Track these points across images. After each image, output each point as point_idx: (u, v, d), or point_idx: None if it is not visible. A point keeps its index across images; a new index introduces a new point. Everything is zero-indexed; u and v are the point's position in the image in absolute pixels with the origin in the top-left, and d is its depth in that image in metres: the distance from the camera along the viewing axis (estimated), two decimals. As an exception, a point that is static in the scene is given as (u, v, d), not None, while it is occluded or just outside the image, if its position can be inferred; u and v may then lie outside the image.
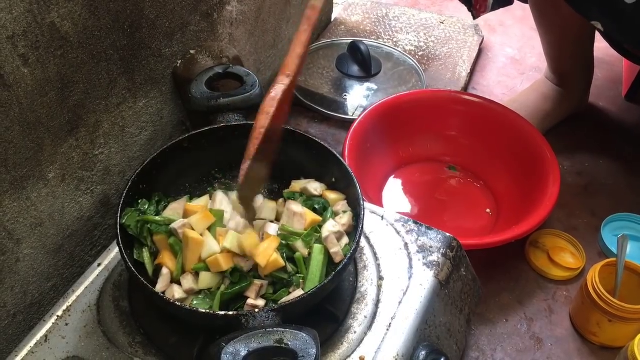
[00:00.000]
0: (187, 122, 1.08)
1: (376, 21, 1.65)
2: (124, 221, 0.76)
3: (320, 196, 0.84)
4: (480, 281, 0.95)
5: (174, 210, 0.81)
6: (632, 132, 1.39)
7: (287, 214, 0.80)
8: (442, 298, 0.84)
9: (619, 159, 1.33)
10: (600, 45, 1.31)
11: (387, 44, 1.56)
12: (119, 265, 0.83)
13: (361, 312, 0.79)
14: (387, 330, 0.77)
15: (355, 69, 1.45)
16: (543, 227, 1.10)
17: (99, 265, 0.83)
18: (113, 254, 0.85)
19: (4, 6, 0.66)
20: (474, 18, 1.27)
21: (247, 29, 1.20)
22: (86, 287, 0.81)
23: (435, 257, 0.85)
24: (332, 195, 0.84)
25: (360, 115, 1.23)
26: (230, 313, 0.66)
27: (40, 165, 0.78)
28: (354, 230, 0.79)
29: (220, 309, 0.72)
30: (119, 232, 0.74)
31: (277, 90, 0.74)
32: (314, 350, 0.60)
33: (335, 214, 0.82)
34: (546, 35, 1.30)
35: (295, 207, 0.80)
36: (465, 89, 1.48)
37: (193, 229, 0.76)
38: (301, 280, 0.75)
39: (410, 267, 0.84)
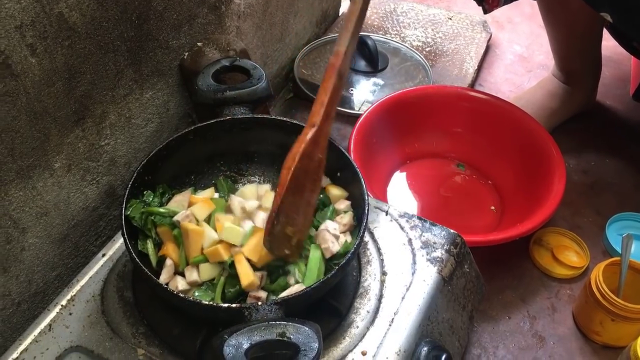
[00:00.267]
0: (193, 115, 1.08)
1: (384, 16, 1.65)
2: (128, 212, 0.77)
3: (323, 189, 0.84)
4: (484, 278, 0.94)
5: (178, 202, 0.81)
6: (639, 131, 1.39)
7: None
8: (445, 294, 0.84)
9: (625, 158, 1.32)
10: (608, 44, 1.31)
11: (394, 39, 1.55)
12: (123, 256, 0.83)
13: (364, 307, 0.79)
14: (390, 325, 0.77)
15: (362, 64, 1.45)
16: (547, 225, 1.10)
17: (104, 255, 0.84)
18: (117, 244, 0.85)
19: (13, -5, 0.66)
20: (485, 12, 1.26)
21: (254, 22, 1.20)
22: (90, 277, 0.81)
23: (439, 253, 0.85)
24: (334, 191, 0.84)
25: (366, 110, 1.23)
26: (234, 305, 0.66)
27: (47, 155, 0.78)
28: (358, 225, 0.79)
29: (223, 301, 0.73)
30: (124, 223, 0.74)
31: (299, 146, 0.74)
32: (317, 344, 0.60)
33: (336, 213, 0.82)
34: (554, 32, 1.30)
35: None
36: (472, 85, 1.47)
37: (195, 218, 0.76)
38: (296, 270, 0.75)
39: (414, 262, 0.84)
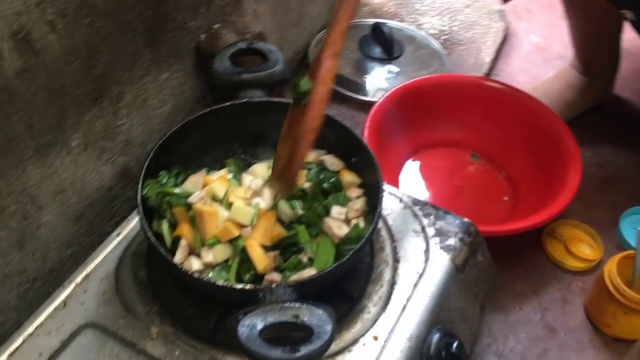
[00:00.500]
0: (208, 97, 1.08)
1: (400, 3, 1.63)
2: (144, 192, 0.77)
3: (336, 173, 0.84)
4: (495, 269, 0.94)
5: (193, 182, 0.81)
6: (656, 126, 1.38)
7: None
8: (458, 282, 0.84)
9: (641, 152, 1.31)
10: (626, 36, 1.29)
11: (410, 26, 1.54)
12: (137, 236, 0.84)
13: (376, 293, 0.79)
14: (402, 311, 0.77)
15: (377, 51, 1.44)
16: (561, 218, 1.09)
17: (118, 235, 0.84)
18: (132, 224, 0.85)
19: (34, -28, 0.66)
20: (504, 2, 1.24)
21: (271, 5, 1.19)
22: (105, 256, 0.82)
23: (452, 241, 0.85)
24: (348, 177, 0.83)
25: (380, 97, 1.22)
26: (248, 287, 0.66)
27: (64, 133, 0.79)
28: (372, 211, 0.79)
29: (237, 282, 0.73)
30: (139, 202, 0.74)
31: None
32: (330, 327, 0.61)
33: (347, 200, 0.82)
34: (573, 20, 1.28)
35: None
36: (488, 75, 1.46)
37: (213, 196, 0.77)
38: (308, 248, 0.75)
39: (427, 250, 0.84)
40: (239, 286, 0.66)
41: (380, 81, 1.40)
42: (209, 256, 0.74)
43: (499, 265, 0.95)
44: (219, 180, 0.80)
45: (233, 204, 0.76)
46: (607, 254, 1.10)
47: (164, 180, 0.80)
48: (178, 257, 0.74)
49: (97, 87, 0.81)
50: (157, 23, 0.88)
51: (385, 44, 1.43)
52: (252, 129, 0.90)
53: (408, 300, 0.78)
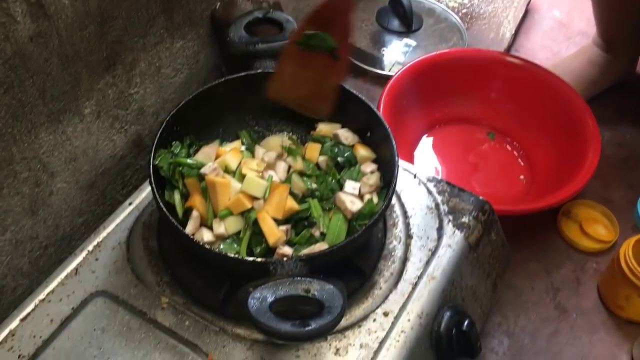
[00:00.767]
0: (223, 67, 1.07)
1: (420, -25, 1.60)
2: (157, 162, 0.76)
3: (351, 147, 0.83)
4: (509, 248, 0.93)
5: (205, 154, 0.81)
6: (679, 106, 1.35)
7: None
8: (471, 261, 0.83)
9: (662, 132, 1.29)
10: (654, 13, 1.25)
11: (430, -1, 1.51)
12: (149, 206, 0.84)
13: (387, 269, 0.78)
14: (413, 288, 0.76)
15: (395, 24, 1.42)
16: (577, 198, 1.08)
17: (130, 204, 0.84)
18: (144, 194, 0.85)
19: None
20: None
21: (288, -26, 1.17)
22: (117, 225, 0.82)
23: (466, 219, 0.84)
24: (362, 152, 0.82)
25: (397, 71, 1.20)
26: (259, 260, 0.66)
27: (77, 100, 0.78)
28: (386, 186, 0.78)
29: (248, 255, 0.73)
30: (151, 171, 0.74)
31: None
32: (341, 302, 0.60)
33: (361, 174, 0.81)
34: (598, -3, 1.25)
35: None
36: (508, 50, 1.43)
37: (226, 167, 0.76)
38: (321, 222, 0.75)
39: (440, 227, 0.83)
40: (250, 258, 0.66)
41: (397, 55, 1.38)
42: (220, 228, 0.73)
43: (512, 244, 0.94)
44: (232, 151, 0.79)
45: (246, 175, 0.75)
46: (622, 236, 1.08)
47: (177, 151, 0.80)
48: (189, 228, 0.74)
49: (110, 54, 0.80)
50: (172, -11, 0.87)
51: (403, 16, 1.40)
52: (266, 100, 0.89)
53: (420, 277, 0.77)
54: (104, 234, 0.81)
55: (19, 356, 0.69)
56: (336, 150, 0.82)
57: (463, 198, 0.86)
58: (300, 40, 0.81)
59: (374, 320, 0.73)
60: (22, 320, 0.72)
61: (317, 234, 0.74)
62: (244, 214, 0.74)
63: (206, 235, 0.73)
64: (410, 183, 0.88)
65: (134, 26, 0.82)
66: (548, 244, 1.09)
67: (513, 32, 1.45)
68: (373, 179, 0.79)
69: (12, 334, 0.71)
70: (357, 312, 0.73)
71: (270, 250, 0.73)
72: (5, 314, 0.76)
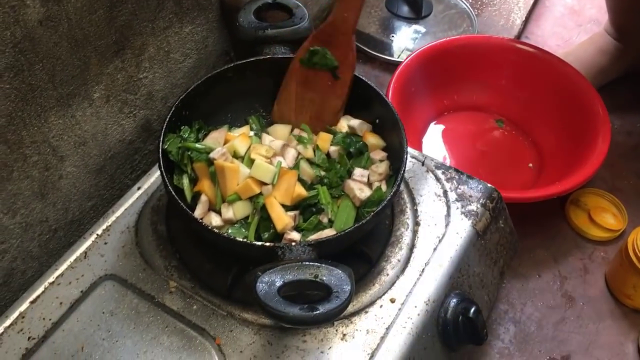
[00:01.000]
0: (231, 53, 1.07)
1: (430, -40, 1.58)
2: (165, 146, 0.76)
3: (361, 137, 0.83)
4: (517, 235, 0.93)
5: (214, 138, 0.80)
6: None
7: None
8: (478, 248, 0.83)
9: (673, 121, 1.28)
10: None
11: (440, -15, 1.50)
12: (158, 190, 0.84)
13: (395, 256, 0.78)
14: (420, 275, 0.76)
15: (404, 10, 1.41)
16: (586, 186, 1.07)
17: (139, 188, 0.84)
18: (153, 178, 0.85)
19: None
20: None
21: (297, -41, 1.16)
22: (125, 209, 0.82)
23: (474, 206, 0.84)
24: (372, 140, 0.82)
25: (406, 58, 1.19)
26: (267, 244, 0.66)
27: (86, 84, 0.78)
28: (395, 174, 0.78)
29: (256, 240, 0.73)
30: (160, 155, 0.74)
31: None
32: (349, 287, 0.60)
33: (371, 162, 0.80)
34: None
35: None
36: (519, 37, 1.42)
37: (232, 155, 0.76)
38: (329, 209, 0.75)
39: (448, 214, 0.83)
40: (259, 243, 0.66)
41: (406, 41, 1.37)
42: (228, 212, 0.73)
43: (520, 232, 0.94)
44: (240, 137, 0.79)
45: (255, 161, 0.75)
46: (631, 225, 1.08)
47: (186, 135, 0.80)
48: (198, 212, 0.74)
49: (119, 38, 0.80)
50: (181, -26, 0.86)
51: (413, 2, 1.39)
52: (275, 86, 0.88)
53: (427, 264, 0.78)
54: (112, 218, 0.81)
55: (29, 338, 0.70)
56: (348, 140, 0.82)
57: (471, 185, 0.86)
58: (303, 58, 0.83)
59: (381, 306, 0.73)
60: (32, 302, 0.73)
61: (325, 220, 0.75)
62: (252, 199, 0.74)
63: (214, 220, 0.73)
64: (418, 170, 0.88)
65: (143, 10, 0.82)
66: (556, 232, 1.09)
67: (524, 18, 1.43)
68: (382, 167, 0.79)
69: (22, 316, 0.72)
70: (364, 298, 0.74)
71: (278, 236, 0.73)
72: (15, 296, 0.77)
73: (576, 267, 1.04)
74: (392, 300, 0.74)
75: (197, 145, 0.78)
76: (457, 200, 0.85)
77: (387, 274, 0.76)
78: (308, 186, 0.77)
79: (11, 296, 0.79)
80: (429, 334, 0.74)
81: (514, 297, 1.00)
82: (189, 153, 0.77)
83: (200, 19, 0.95)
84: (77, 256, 0.77)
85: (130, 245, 0.78)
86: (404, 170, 0.75)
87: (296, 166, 0.78)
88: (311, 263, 0.62)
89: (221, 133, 0.81)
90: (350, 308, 0.72)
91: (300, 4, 0.92)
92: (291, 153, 0.79)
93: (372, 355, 0.69)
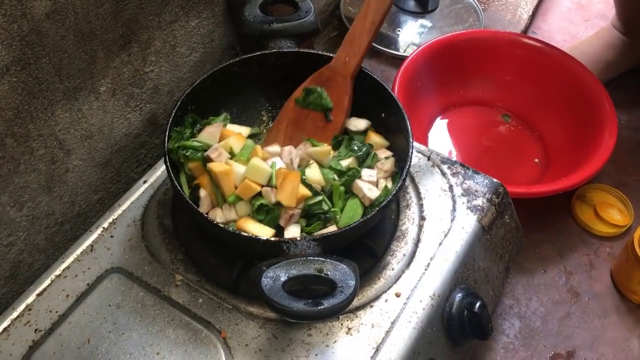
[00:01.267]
0: (237, 47, 1.06)
1: (437, -46, 1.58)
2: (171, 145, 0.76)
3: (364, 135, 0.82)
4: (522, 230, 0.93)
5: (210, 133, 0.78)
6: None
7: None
8: (484, 243, 0.83)
9: (680, 117, 1.27)
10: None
11: (446, -21, 1.49)
12: (163, 184, 0.84)
13: (400, 250, 0.78)
14: (425, 270, 0.77)
15: (411, 4, 1.40)
16: (592, 182, 1.07)
17: (145, 182, 0.85)
18: (159, 172, 0.86)
19: None
20: None
21: (303, -47, 1.16)
22: (132, 203, 0.82)
23: (480, 201, 0.84)
24: (376, 139, 0.82)
25: (412, 52, 1.19)
26: (272, 239, 0.66)
27: (93, 78, 0.78)
28: (400, 169, 0.78)
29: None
30: (166, 150, 0.74)
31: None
32: (353, 282, 0.60)
33: (377, 159, 0.80)
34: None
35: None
36: (525, 32, 1.41)
37: (230, 151, 0.76)
38: (337, 216, 0.74)
39: (454, 209, 0.83)
40: (264, 237, 0.66)
41: (412, 36, 1.36)
42: (231, 213, 0.73)
43: (525, 227, 0.93)
44: (236, 136, 0.78)
45: (250, 161, 0.74)
46: (637, 221, 1.08)
47: (182, 131, 0.78)
48: (203, 207, 0.74)
49: (126, 32, 0.80)
50: (187, -33, 0.86)
51: (419, -4, 1.39)
52: (281, 80, 0.88)
53: (432, 258, 0.78)
54: (119, 211, 0.81)
55: (36, 330, 0.71)
56: (352, 144, 0.81)
57: (477, 180, 0.86)
58: (299, 98, 0.83)
59: (386, 300, 0.73)
60: (39, 295, 0.74)
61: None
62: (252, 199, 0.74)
63: (219, 215, 0.73)
64: (424, 165, 0.88)
65: (149, 4, 0.82)
66: (562, 227, 1.09)
67: (530, 13, 1.43)
68: (388, 164, 0.79)
69: (28, 308, 0.72)
70: (369, 292, 0.74)
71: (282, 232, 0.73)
72: (22, 289, 0.77)
73: (582, 263, 1.04)
74: (398, 295, 0.74)
75: (193, 143, 0.76)
76: (462, 195, 0.85)
77: (393, 269, 0.76)
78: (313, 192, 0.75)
79: (18, 289, 0.80)
80: (434, 329, 0.74)
81: (519, 292, 1.00)
82: (184, 152, 0.75)
83: (206, 13, 0.95)
84: (83, 249, 0.78)
85: (137, 239, 0.79)
86: (410, 165, 0.75)
87: (302, 172, 0.76)
88: (316, 258, 0.62)
89: (217, 128, 0.79)
90: (356, 302, 0.72)
91: (306, -2, 0.92)
92: (287, 149, 0.78)
93: (377, 349, 0.69)
